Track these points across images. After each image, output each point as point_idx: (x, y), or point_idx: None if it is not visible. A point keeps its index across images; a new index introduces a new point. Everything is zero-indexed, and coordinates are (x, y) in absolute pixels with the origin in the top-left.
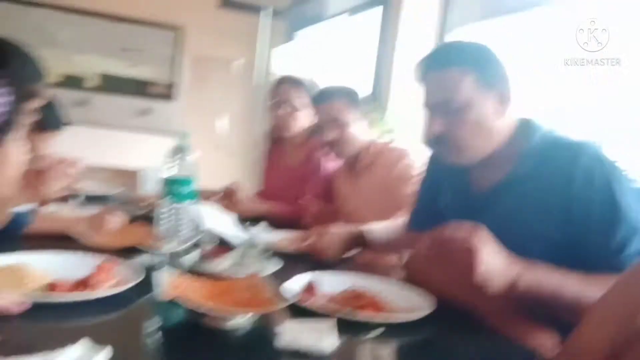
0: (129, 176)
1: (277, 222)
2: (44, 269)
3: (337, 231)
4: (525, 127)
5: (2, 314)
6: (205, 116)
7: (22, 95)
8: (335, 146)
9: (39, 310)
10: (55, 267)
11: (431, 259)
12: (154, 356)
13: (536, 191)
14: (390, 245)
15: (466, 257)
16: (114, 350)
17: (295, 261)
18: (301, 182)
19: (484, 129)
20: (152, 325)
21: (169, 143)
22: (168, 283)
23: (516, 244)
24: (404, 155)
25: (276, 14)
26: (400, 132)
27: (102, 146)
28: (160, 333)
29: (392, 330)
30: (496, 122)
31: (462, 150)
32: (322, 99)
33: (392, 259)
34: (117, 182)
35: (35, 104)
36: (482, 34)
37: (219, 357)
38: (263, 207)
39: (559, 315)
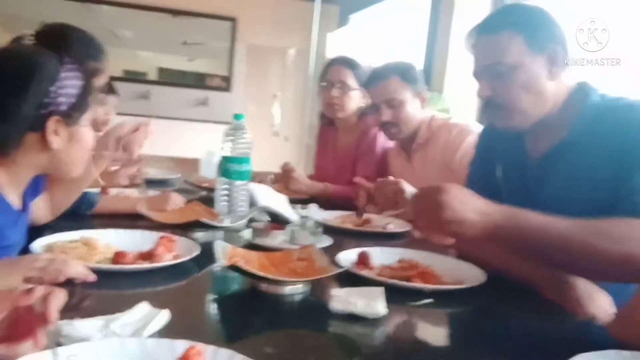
0: (189, 164)
1: (330, 203)
2: (110, 243)
3: (410, 187)
4: (582, 91)
5: (79, 281)
6: (261, 104)
7: (89, 74)
8: (391, 127)
9: (105, 279)
10: (120, 242)
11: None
12: (213, 320)
13: (591, 154)
14: None
15: (437, 211)
16: (173, 314)
17: (346, 238)
18: (353, 164)
19: (534, 91)
20: (210, 293)
21: None
22: (226, 253)
23: (573, 209)
24: (468, 132)
25: None
26: (455, 113)
27: (163, 137)
28: (219, 299)
29: (443, 300)
30: (548, 84)
31: (512, 113)
32: (376, 79)
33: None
34: (178, 170)
35: (100, 80)
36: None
37: (276, 321)
38: (318, 186)
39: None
